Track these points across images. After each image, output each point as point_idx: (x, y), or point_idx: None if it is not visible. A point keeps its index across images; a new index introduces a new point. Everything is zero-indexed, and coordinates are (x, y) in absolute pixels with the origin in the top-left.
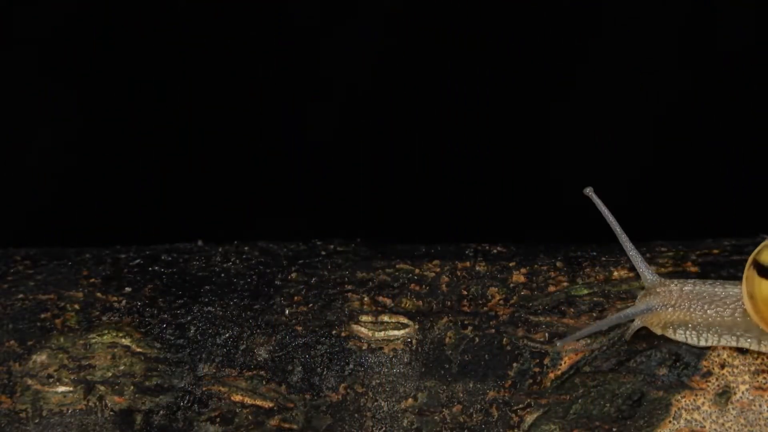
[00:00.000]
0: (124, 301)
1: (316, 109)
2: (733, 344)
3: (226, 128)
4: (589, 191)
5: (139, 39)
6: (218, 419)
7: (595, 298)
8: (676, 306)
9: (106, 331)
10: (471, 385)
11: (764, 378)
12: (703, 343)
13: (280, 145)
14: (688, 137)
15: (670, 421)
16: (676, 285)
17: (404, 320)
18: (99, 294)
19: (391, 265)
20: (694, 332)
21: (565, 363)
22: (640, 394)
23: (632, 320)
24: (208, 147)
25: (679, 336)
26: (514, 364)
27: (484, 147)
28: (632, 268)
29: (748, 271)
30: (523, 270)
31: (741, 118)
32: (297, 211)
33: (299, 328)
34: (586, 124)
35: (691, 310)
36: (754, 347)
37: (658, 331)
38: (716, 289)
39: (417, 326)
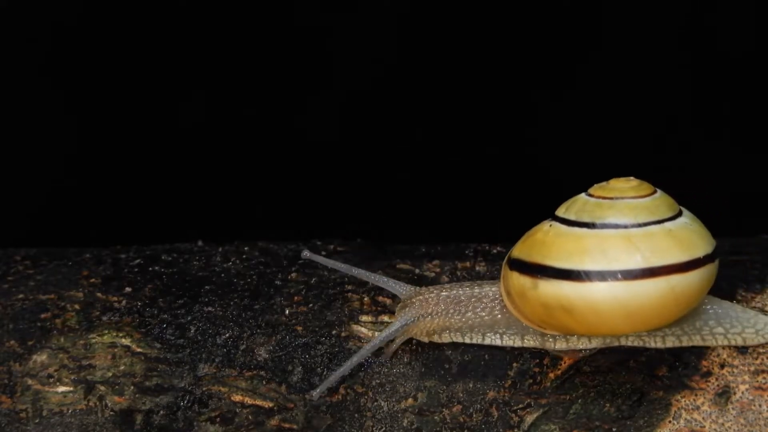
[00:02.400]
0: (124, 301)
1: (316, 108)
2: (498, 342)
3: (226, 128)
4: (305, 255)
5: (139, 39)
6: (218, 419)
7: None
8: (434, 314)
9: (106, 331)
10: (471, 385)
11: (764, 378)
12: (468, 341)
13: (280, 145)
14: (688, 137)
15: (670, 421)
16: (432, 292)
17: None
18: (99, 294)
19: (391, 265)
20: (458, 333)
21: (565, 363)
22: (640, 394)
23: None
24: (208, 147)
25: (445, 339)
26: (514, 364)
27: (484, 147)
28: None
29: (504, 269)
30: None
31: (741, 117)
32: (297, 211)
33: (299, 328)
34: (587, 124)
35: (450, 314)
36: (517, 343)
37: (425, 339)
38: (474, 291)
39: None
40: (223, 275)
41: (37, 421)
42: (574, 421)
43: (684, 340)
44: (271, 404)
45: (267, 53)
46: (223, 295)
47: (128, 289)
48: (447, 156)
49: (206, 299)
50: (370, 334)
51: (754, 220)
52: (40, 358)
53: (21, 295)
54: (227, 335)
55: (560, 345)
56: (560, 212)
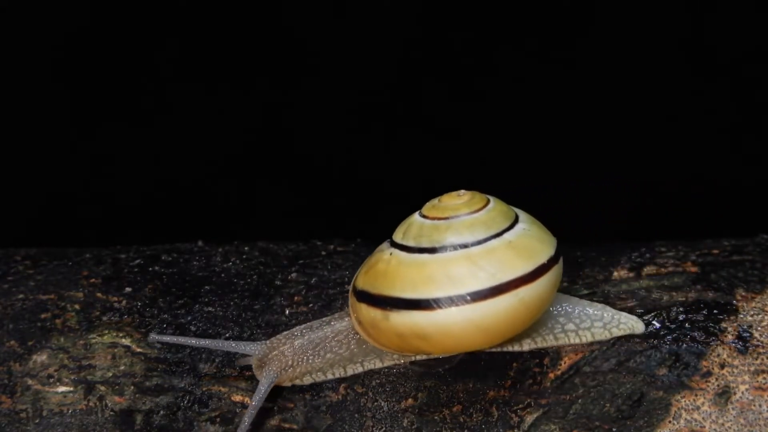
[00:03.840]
0: (124, 301)
1: (316, 108)
2: (360, 370)
3: (226, 128)
4: (152, 338)
5: (139, 40)
6: (218, 419)
7: (594, 299)
8: (294, 365)
9: (107, 331)
10: (471, 385)
11: (764, 378)
12: (330, 377)
13: (280, 145)
14: (688, 137)
15: (670, 421)
16: (285, 344)
17: None
18: (99, 294)
19: None
20: (320, 373)
21: (565, 363)
22: (640, 394)
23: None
24: (208, 147)
25: (307, 381)
26: (514, 364)
27: (484, 147)
28: (632, 268)
29: (351, 298)
30: None
31: (741, 117)
32: (297, 211)
33: None
34: (586, 124)
35: (309, 360)
36: (378, 365)
37: (288, 384)
38: (325, 331)
39: None
40: (223, 275)
41: (37, 421)
42: (574, 421)
43: (539, 342)
44: (271, 404)
45: (267, 53)
46: (223, 295)
47: (128, 289)
48: (447, 156)
49: (206, 299)
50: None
51: (754, 220)
52: (40, 358)
53: (21, 295)
54: (227, 335)
55: (421, 359)
56: (398, 238)
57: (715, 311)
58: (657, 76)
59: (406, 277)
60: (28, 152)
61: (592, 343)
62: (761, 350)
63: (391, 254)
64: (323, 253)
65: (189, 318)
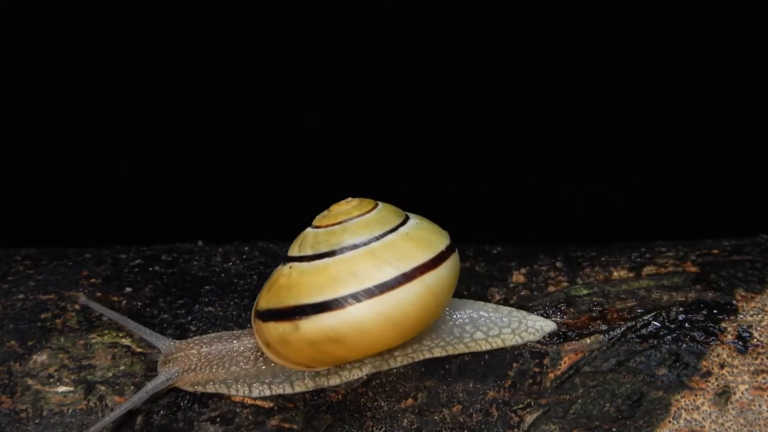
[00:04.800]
0: (124, 301)
1: (316, 108)
2: (267, 393)
3: (226, 128)
4: (82, 300)
5: (139, 40)
6: (218, 419)
7: (594, 298)
8: (197, 369)
9: (107, 331)
10: (471, 385)
11: (764, 378)
12: (234, 393)
13: (280, 145)
14: (688, 137)
15: (669, 421)
16: (193, 348)
17: None
18: (99, 294)
19: None
20: (223, 385)
21: (564, 363)
22: (640, 394)
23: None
24: (209, 147)
25: (210, 389)
26: (514, 364)
27: (483, 147)
28: (632, 268)
29: (255, 323)
30: (523, 270)
31: (741, 117)
32: (297, 211)
33: None
34: (586, 124)
35: (213, 368)
36: (288, 391)
37: (190, 389)
38: (233, 345)
39: None
40: (223, 275)
41: (37, 421)
42: (574, 421)
43: (449, 350)
44: (271, 404)
45: (268, 53)
46: (223, 295)
47: (128, 289)
48: (447, 155)
49: (206, 299)
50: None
51: (754, 220)
52: (40, 358)
53: (21, 295)
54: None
55: (334, 381)
56: (294, 252)
57: (714, 311)
58: (657, 76)
59: (311, 283)
60: (28, 152)
61: (513, 347)
62: (761, 350)
63: (290, 267)
64: None
65: (189, 318)
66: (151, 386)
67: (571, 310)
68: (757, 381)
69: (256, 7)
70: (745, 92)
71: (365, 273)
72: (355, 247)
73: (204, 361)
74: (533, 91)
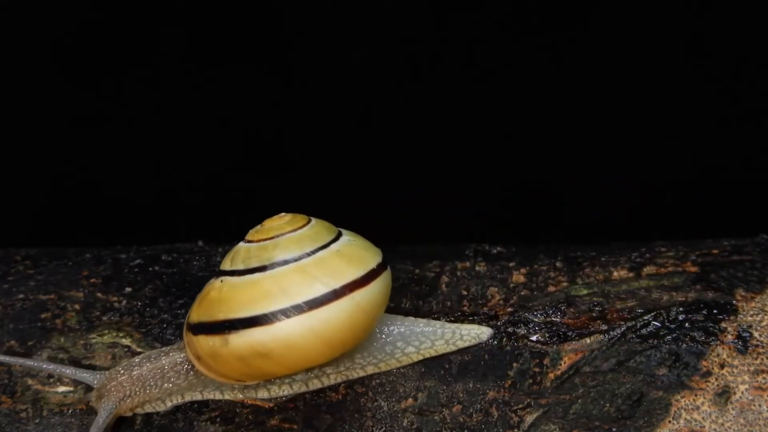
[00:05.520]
0: (124, 301)
1: (316, 108)
2: (199, 397)
3: (226, 128)
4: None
5: (139, 40)
6: (218, 419)
7: (594, 298)
8: (132, 395)
9: (107, 331)
10: (471, 385)
11: (764, 378)
12: (170, 405)
13: (280, 145)
14: (688, 137)
15: (669, 421)
16: (123, 375)
17: None
18: (99, 294)
19: (391, 265)
20: (159, 402)
21: (564, 363)
22: (640, 394)
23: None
24: (209, 147)
25: (148, 409)
26: (514, 364)
27: (484, 147)
28: (632, 268)
29: (186, 336)
30: (523, 270)
31: (741, 117)
32: (297, 211)
33: None
34: (587, 124)
35: (147, 391)
36: (218, 396)
37: (129, 414)
38: (163, 362)
39: None
40: None
41: (37, 421)
42: (574, 421)
43: (382, 366)
44: (271, 404)
45: (268, 52)
46: None
47: (128, 289)
48: (447, 155)
49: None
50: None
51: (754, 220)
52: (40, 358)
53: (21, 295)
54: None
55: (262, 394)
56: (226, 266)
57: (714, 311)
58: (657, 75)
59: (242, 298)
60: (28, 152)
61: (456, 352)
62: (761, 350)
63: (222, 281)
64: None
65: None
66: (94, 429)
67: (571, 310)
68: (757, 381)
69: (257, 7)
70: (745, 92)
71: (295, 289)
72: (286, 262)
73: (137, 385)
74: (533, 91)
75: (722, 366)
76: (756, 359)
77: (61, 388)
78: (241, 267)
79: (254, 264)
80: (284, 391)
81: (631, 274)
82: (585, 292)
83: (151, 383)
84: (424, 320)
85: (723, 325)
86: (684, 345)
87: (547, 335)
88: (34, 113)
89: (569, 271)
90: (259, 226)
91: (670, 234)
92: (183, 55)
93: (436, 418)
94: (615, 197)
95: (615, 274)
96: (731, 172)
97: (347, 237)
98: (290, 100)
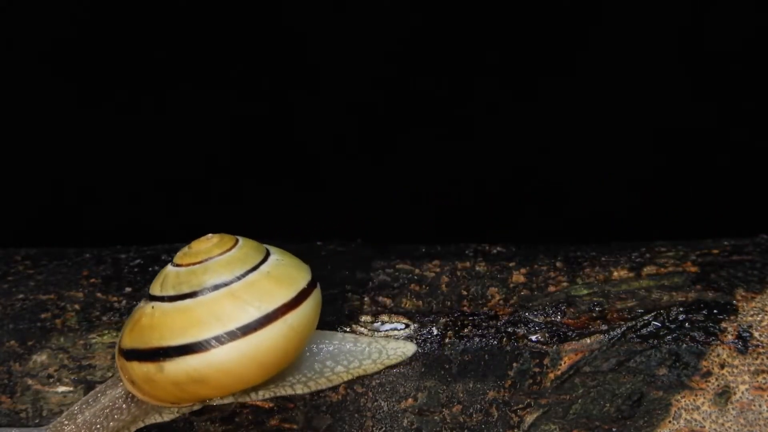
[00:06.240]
0: (124, 301)
1: (317, 108)
2: (142, 425)
3: (227, 128)
4: None
5: (139, 40)
6: (218, 419)
7: (595, 298)
8: None
9: (107, 331)
10: (471, 385)
11: (764, 378)
12: None
13: (281, 145)
14: (688, 137)
15: (669, 421)
16: (70, 425)
17: (404, 320)
18: (99, 294)
19: (391, 265)
20: None
21: (565, 363)
22: (640, 394)
23: None
24: (208, 146)
25: None
26: (514, 364)
27: (484, 146)
28: (632, 268)
29: (119, 360)
30: (523, 270)
31: (741, 117)
32: (297, 212)
33: None
34: (586, 124)
35: None
36: (159, 420)
37: None
38: (103, 402)
39: (417, 326)
40: None
41: (37, 421)
42: (574, 421)
43: (312, 386)
44: (271, 404)
45: (267, 52)
46: None
47: (128, 289)
48: (447, 156)
49: None
50: (370, 335)
51: (754, 220)
52: (40, 358)
53: (21, 295)
54: None
55: (196, 406)
56: (156, 291)
57: (715, 311)
58: (657, 75)
59: (174, 325)
60: (28, 152)
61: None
62: (761, 350)
63: (153, 307)
64: (323, 253)
65: None
66: None
67: (571, 310)
68: (758, 381)
69: (258, 4)
70: (745, 92)
71: (228, 315)
72: (216, 288)
73: (84, 429)
74: (534, 90)
75: (722, 366)
76: (756, 359)
77: (61, 388)
78: (171, 293)
79: (185, 290)
80: (216, 402)
81: (631, 274)
82: (585, 292)
83: (98, 425)
84: (353, 337)
85: (723, 325)
86: (684, 345)
87: (547, 335)
88: (34, 113)
89: (569, 271)
90: (186, 248)
91: (670, 234)
92: (183, 55)
93: (436, 418)
94: (615, 197)
95: (615, 274)
96: (731, 172)
97: (275, 256)
98: (290, 100)
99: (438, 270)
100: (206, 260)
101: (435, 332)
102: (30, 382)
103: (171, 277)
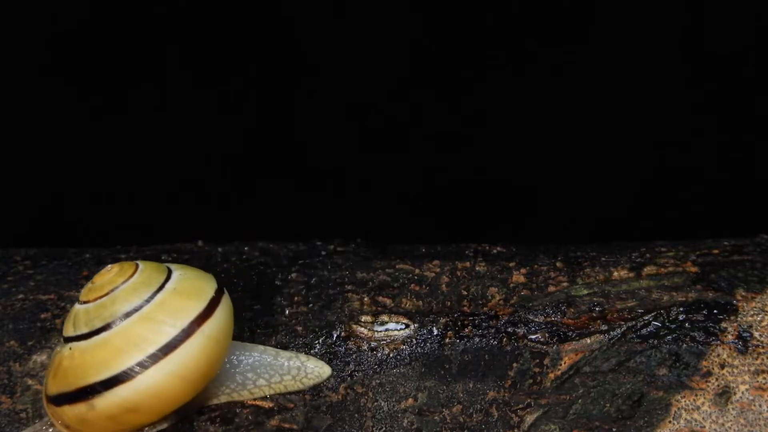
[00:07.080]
0: None
1: (317, 109)
2: None
3: (227, 127)
4: None
5: (139, 41)
6: (218, 419)
7: (595, 298)
8: None
9: None
10: (471, 385)
11: (764, 378)
12: None
13: (281, 145)
14: (688, 137)
15: (670, 421)
16: None
17: (404, 320)
18: None
19: (391, 265)
20: None
21: (565, 363)
22: (640, 394)
23: None
24: (208, 146)
25: None
26: (514, 364)
27: (484, 146)
28: (632, 268)
29: (49, 409)
30: (523, 270)
31: (741, 117)
32: (297, 211)
33: (299, 328)
34: (587, 124)
35: None
36: None
37: None
38: None
39: (417, 326)
40: (223, 275)
41: (36, 421)
42: (574, 421)
43: (234, 396)
44: (271, 404)
45: (268, 52)
46: None
47: None
48: (447, 156)
49: None
50: (370, 335)
51: (754, 220)
52: (40, 358)
53: (21, 295)
54: None
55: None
56: (70, 332)
57: (715, 311)
58: (657, 75)
59: (95, 361)
60: (28, 152)
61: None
62: (761, 350)
63: (71, 348)
64: (323, 253)
65: None
66: None
67: (571, 310)
68: (758, 381)
69: (258, 5)
70: (745, 92)
71: (145, 339)
72: (128, 315)
73: None
74: (534, 90)
75: (722, 366)
76: (756, 359)
77: None
78: (85, 330)
79: (98, 324)
80: (158, 426)
81: (631, 274)
82: (585, 292)
83: None
84: (274, 350)
85: (723, 325)
86: (684, 345)
87: (547, 335)
88: (34, 113)
89: (569, 271)
90: (90, 284)
91: (670, 234)
92: (184, 55)
93: (436, 418)
94: (615, 197)
95: (615, 274)
96: (731, 172)
97: (178, 272)
98: (291, 100)
99: (438, 270)
100: (112, 291)
101: (435, 332)
102: (30, 382)
103: (81, 314)
